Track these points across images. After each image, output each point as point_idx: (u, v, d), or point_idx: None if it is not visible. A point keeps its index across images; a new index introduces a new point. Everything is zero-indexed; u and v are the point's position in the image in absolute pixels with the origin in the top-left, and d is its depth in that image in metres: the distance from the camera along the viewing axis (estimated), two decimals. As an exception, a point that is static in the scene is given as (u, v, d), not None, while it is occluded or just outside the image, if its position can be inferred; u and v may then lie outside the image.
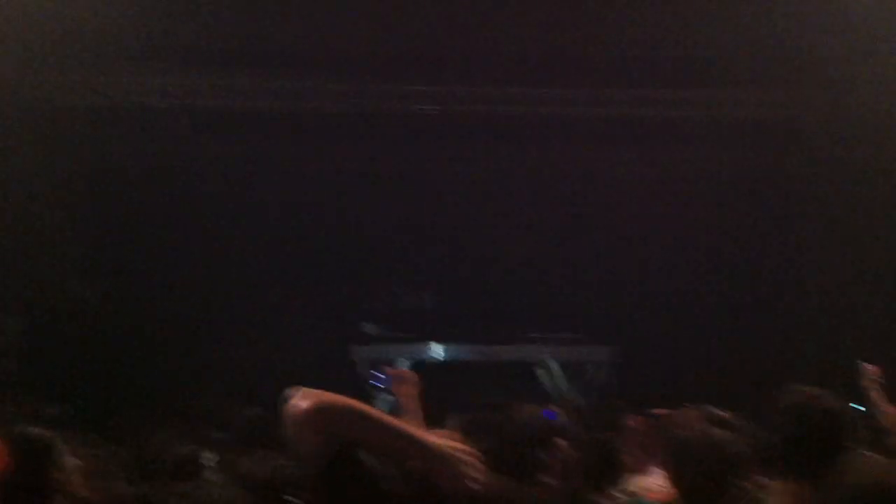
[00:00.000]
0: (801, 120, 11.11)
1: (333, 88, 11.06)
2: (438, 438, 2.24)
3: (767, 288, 11.50)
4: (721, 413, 4.28)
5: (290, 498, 2.58)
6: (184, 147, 10.95)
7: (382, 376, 3.95)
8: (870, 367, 5.07)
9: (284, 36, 10.14)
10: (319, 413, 2.12)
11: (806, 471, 3.20)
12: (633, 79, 10.76)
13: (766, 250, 11.56)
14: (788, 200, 11.53)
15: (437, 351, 10.65)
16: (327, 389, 2.25)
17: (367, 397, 10.03)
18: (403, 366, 4.36)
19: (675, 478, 3.65)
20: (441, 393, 4.29)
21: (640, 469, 4.85)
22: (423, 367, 8.97)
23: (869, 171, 10.55)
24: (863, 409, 5.14)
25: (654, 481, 4.60)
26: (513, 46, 10.33)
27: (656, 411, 4.94)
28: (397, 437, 2.17)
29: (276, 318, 11.08)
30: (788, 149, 11.23)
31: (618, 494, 4.42)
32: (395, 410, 3.79)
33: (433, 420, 4.11)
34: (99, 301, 10.62)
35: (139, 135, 10.80)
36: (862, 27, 9.25)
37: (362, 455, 2.15)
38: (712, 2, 9.36)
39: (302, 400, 2.12)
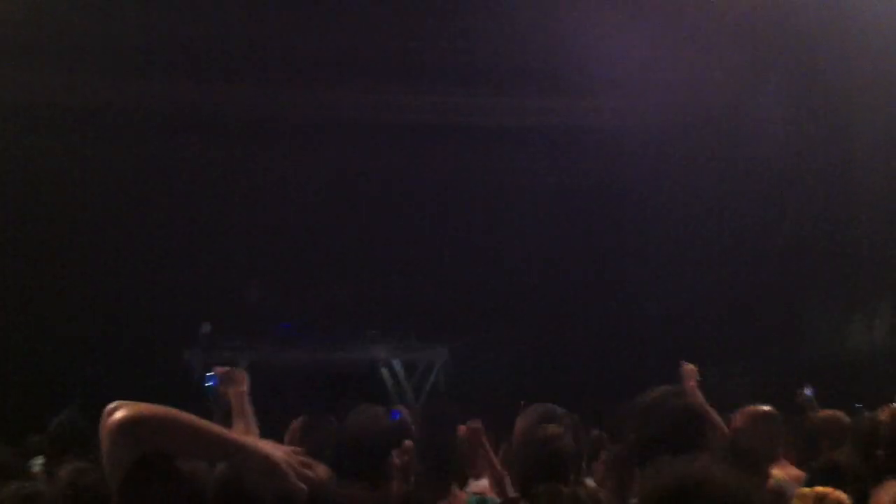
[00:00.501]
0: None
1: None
2: (261, 442, 2.22)
3: (604, 289, 11.79)
4: (556, 411, 4.37)
5: None
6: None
7: (212, 376, 3.82)
8: (689, 366, 5.21)
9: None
10: (130, 425, 2.07)
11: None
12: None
13: (603, 252, 11.85)
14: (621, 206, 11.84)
15: (279, 352, 10.52)
16: (158, 393, 2.19)
17: (201, 402, 9.82)
18: (240, 367, 4.27)
19: (517, 476, 3.71)
20: (281, 396, 4.22)
21: (476, 471, 4.89)
22: (264, 370, 8.83)
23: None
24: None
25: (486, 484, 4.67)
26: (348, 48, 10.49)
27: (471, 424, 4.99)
28: (213, 444, 2.14)
29: (108, 320, 10.74)
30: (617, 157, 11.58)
31: (462, 494, 4.44)
32: (227, 413, 3.70)
33: (274, 423, 4.03)
34: None
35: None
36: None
37: (165, 462, 2.11)
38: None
39: (116, 412, 2.08)
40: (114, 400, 2.22)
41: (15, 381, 9.51)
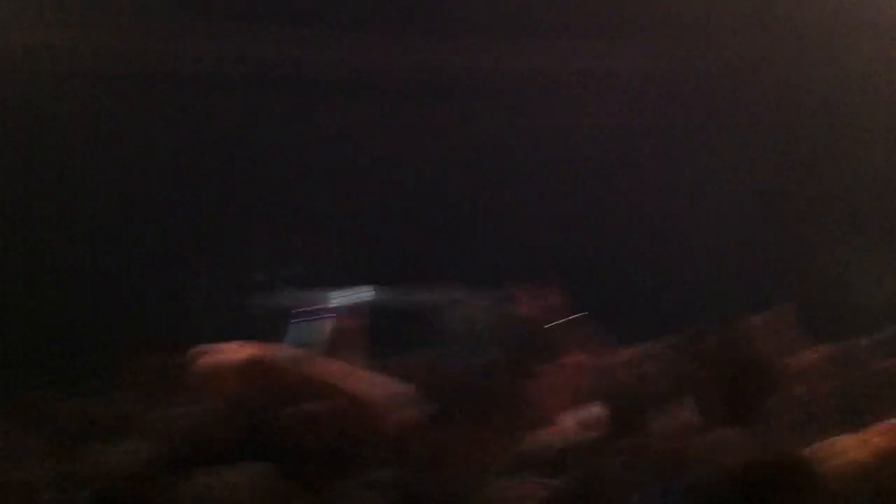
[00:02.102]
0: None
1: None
2: (373, 380, 2.23)
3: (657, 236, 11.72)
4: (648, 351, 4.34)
5: None
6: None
7: (315, 318, 3.90)
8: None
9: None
10: (250, 366, 2.10)
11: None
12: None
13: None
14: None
15: (358, 294, 10.63)
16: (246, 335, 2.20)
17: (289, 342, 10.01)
18: (338, 309, 4.36)
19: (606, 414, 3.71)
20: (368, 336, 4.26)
21: (554, 416, 4.88)
22: (347, 311, 8.99)
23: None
24: None
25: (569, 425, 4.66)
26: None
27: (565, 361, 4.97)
28: (323, 383, 2.15)
29: (179, 265, 10.94)
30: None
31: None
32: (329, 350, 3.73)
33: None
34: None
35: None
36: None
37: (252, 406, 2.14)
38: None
39: (204, 357, 2.10)
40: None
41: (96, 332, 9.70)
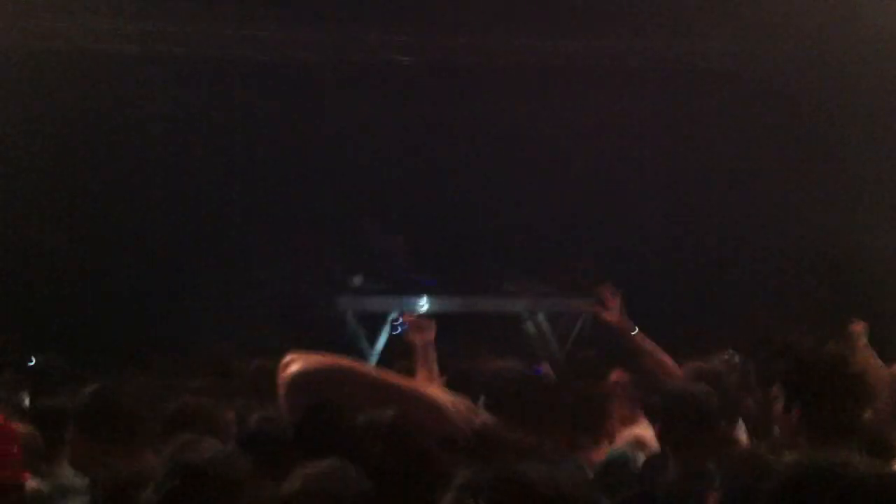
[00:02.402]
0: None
1: (313, 38, 11.17)
2: (433, 389, 2.30)
3: (734, 240, 11.58)
4: (707, 366, 4.35)
5: None
6: (160, 94, 10.89)
7: (401, 323, 3.98)
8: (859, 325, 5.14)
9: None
10: (305, 376, 2.18)
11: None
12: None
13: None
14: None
15: (423, 302, 10.67)
16: (315, 342, 2.28)
17: (354, 350, 10.09)
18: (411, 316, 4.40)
19: (663, 430, 3.73)
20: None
21: (626, 422, 4.91)
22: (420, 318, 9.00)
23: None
24: None
25: (642, 432, 4.68)
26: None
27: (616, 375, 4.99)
28: (383, 391, 2.23)
29: (259, 267, 11.05)
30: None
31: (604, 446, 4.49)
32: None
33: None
34: (73, 249, 10.53)
35: (112, 80, 10.75)
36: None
37: (337, 410, 2.21)
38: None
39: (290, 364, 2.19)
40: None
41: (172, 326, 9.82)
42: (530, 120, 11.33)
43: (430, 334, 4.01)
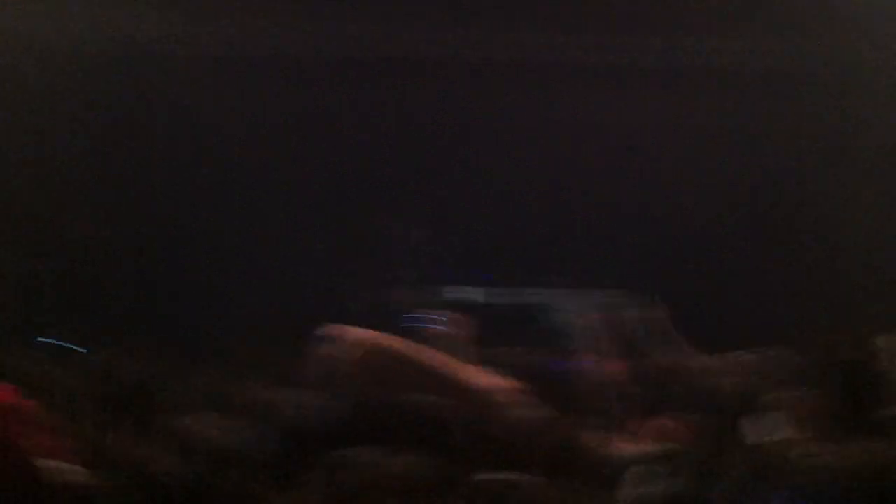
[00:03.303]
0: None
1: (335, 33, 11.26)
2: (487, 377, 2.29)
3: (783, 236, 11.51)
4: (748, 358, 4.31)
5: None
6: (193, 91, 10.97)
7: (431, 317, 3.95)
8: None
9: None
10: (373, 355, 2.16)
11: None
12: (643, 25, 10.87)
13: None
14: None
15: (467, 293, 10.68)
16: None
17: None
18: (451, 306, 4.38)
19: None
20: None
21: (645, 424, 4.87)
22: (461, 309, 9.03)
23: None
24: None
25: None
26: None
27: None
28: (436, 377, 2.21)
29: (297, 255, 11.13)
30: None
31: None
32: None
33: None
34: (118, 242, 10.67)
35: (152, 79, 10.85)
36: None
37: (403, 398, 2.18)
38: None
39: (351, 340, 2.16)
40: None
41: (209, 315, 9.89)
42: (566, 117, 11.36)
43: (467, 328, 4.01)
